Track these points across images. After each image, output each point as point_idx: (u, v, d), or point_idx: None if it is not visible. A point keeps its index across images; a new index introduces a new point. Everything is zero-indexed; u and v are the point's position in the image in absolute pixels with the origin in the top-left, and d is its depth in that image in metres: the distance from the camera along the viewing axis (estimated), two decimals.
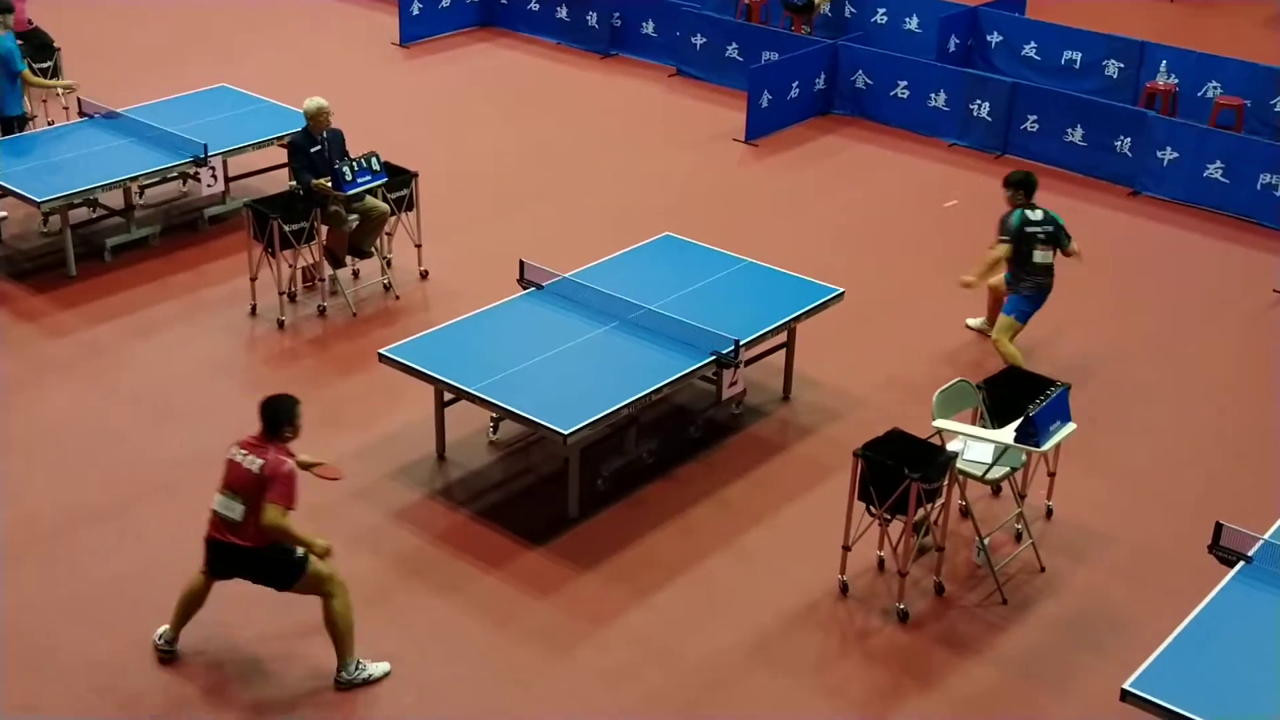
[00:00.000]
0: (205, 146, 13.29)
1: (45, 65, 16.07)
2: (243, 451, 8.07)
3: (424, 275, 13.08)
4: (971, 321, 12.61)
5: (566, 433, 9.21)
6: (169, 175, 13.81)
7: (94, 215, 13.81)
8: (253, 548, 8.03)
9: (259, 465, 7.95)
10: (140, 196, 14.16)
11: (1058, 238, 11.51)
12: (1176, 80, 17.24)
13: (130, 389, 11.32)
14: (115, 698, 8.19)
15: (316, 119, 12.25)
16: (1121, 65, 17.67)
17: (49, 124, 15.61)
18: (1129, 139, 15.66)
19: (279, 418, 8.12)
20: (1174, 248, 14.40)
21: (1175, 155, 15.36)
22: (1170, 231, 14.76)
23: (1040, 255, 11.44)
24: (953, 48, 18.41)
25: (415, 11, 19.70)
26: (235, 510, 8.00)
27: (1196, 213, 15.14)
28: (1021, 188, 11.63)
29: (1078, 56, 18.03)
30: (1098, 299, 13.19)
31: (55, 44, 16.66)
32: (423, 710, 8.23)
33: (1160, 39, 18.09)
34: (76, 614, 8.84)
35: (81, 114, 14.52)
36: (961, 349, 12.03)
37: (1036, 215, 11.52)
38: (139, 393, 11.27)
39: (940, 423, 9.22)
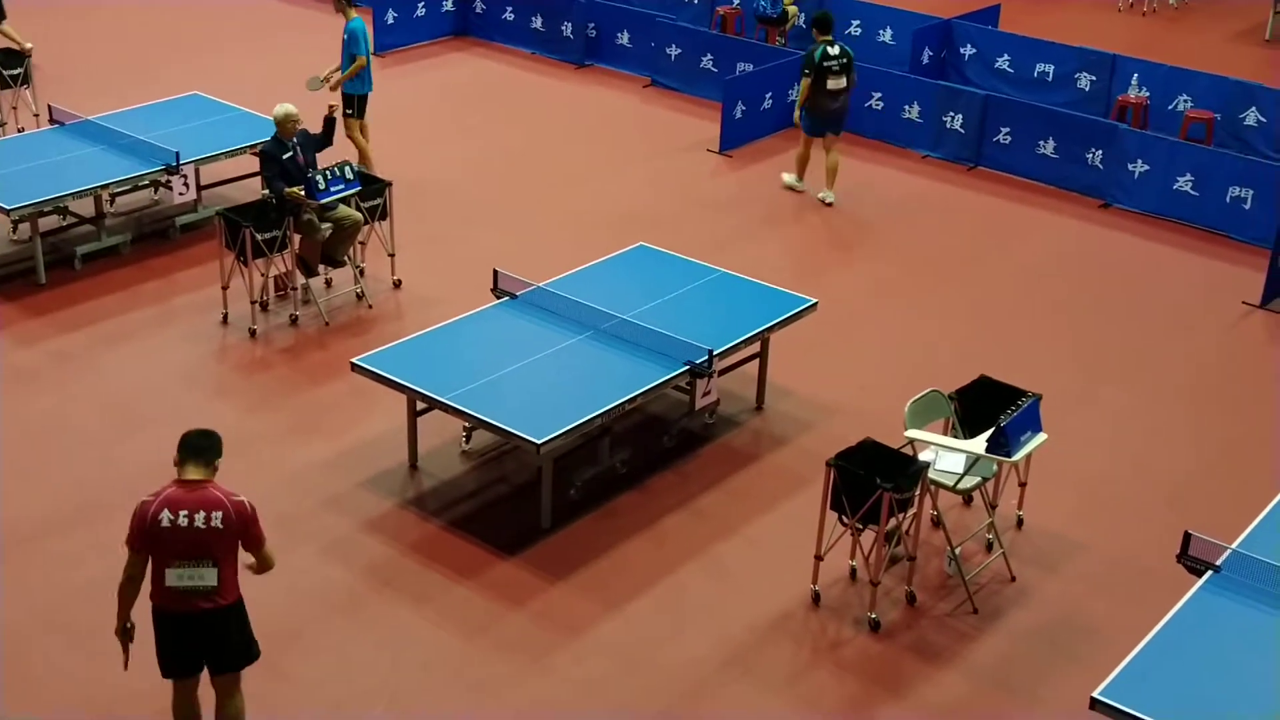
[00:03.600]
0: (177, 154, 13.25)
1: (15, 71, 16.02)
2: (182, 512, 7.01)
3: (397, 284, 13.06)
4: (786, 177, 15.41)
5: (539, 442, 9.20)
6: (140, 183, 13.77)
7: (64, 223, 13.74)
8: (230, 605, 7.28)
9: (219, 518, 7.04)
10: (111, 204, 14.11)
11: (848, 69, 14.88)
12: (1148, 93, 17.35)
13: (100, 397, 11.27)
14: (90, 708, 8.15)
15: (284, 125, 12.23)
16: (1093, 78, 17.78)
17: (19, 131, 15.55)
18: (1100, 151, 15.74)
19: (217, 448, 7.22)
20: (1144, 260, 14.48)
21: (1146, 168, 15.44)
22: (1140, 244, 14.84)
23: (833, 83, 14.86)
24: (926, 60, 18.49)
25: (390, 20, 19.69)
26: (208, 577, 7.11)
27: (1167, 225, 15.23)
28: (819, 26, 15.00)
29: (1050, 69, 18.13)
30: (1068, 310, 13.25)
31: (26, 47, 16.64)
32: None
33: (1132, 52, 18.24)
34: (48, 622, 8.79)
35: (52, 121, 14.46)
36: (934, 360, 12.07)
37: (834, 50, 14.82)
38: (109, 401, 11.21)
39: (912, 433, 9.24)
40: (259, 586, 9.10)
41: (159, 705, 8.18)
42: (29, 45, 16.63)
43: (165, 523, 6.97)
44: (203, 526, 6.99)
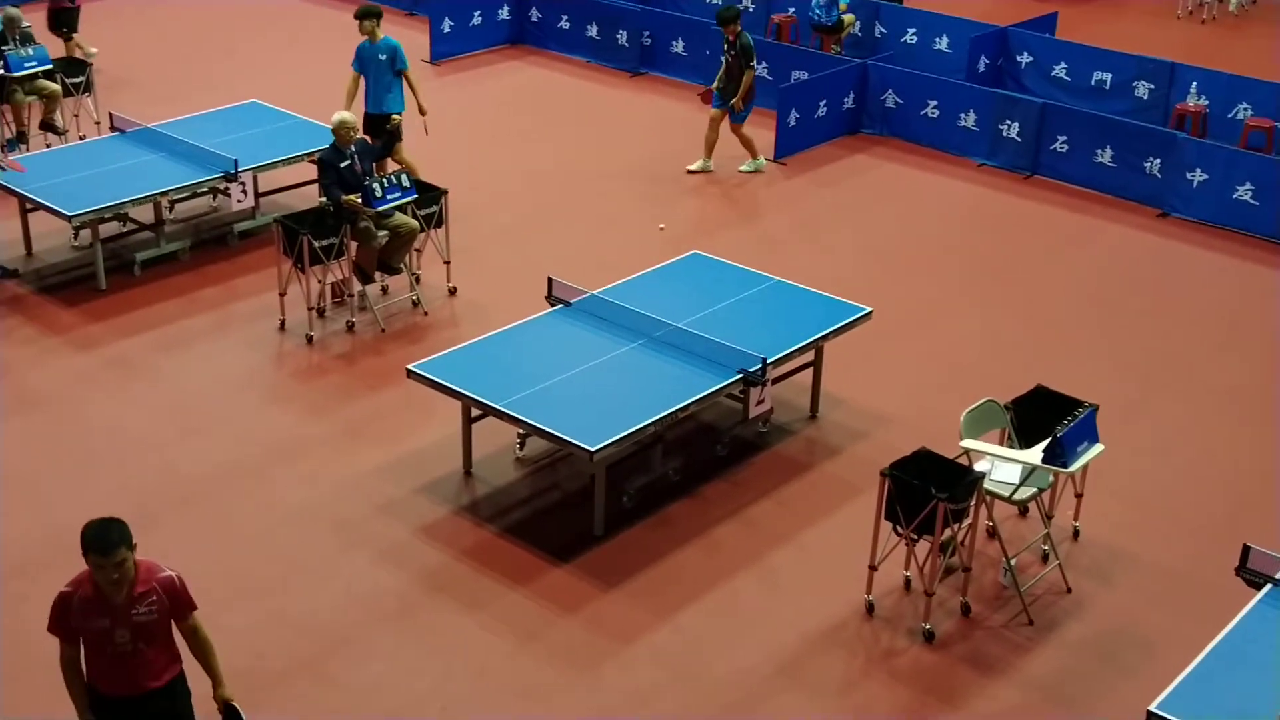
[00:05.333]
0: (235, 162, 13.37)
1: (77, 79, 16.23)
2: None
3: (452, 291, 13.12)
4: (693, 166, 15.99)
5: (593, 449, 9.21)
6: (199, 190, 13.89)
7: (124, 229, 13.90)
8: (175, 679, 6.88)
9: (152, 604, 6.58)
10: (170, 211, 14.25)
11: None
12: (1207, 102, 17.19)
13: (158, 402, 11.38)
14: None
15: (342, 133, 12.32)
16: (1152, 86, 17.64)
17: (81, 138, 15.74)
18: (1158, 160, 15.61)
19: (127, 534, 6.49)
20: (1202, 270, 14.35)
21: (1205, 177, 15.30)
22: (1199, 253, 14.71)
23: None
24: (983, 68, 18.41)
25: (446, 29, 19.81)
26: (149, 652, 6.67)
27: (1226, 234, 15.09)
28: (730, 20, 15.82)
29: (1108, 77, 18.00)
30: (1125, 319, 13.15)
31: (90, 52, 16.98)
32: None
33: (1191, 60, 18.10)
34: None
35: (113, 128, 14.62)
36: (990, 369, 12.00)
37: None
38: (166, 406, 11.32)
39: (968, 443, 9.19)
40: (312, 591, 9.20)
41: (209, 708, 8.26)
42: (93, 50, 16.95)
43: (97, 628, 6.58)
44: (140, 620, 6.61)
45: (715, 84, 16.12)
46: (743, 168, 16.26)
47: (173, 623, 6.76)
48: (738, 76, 15.84)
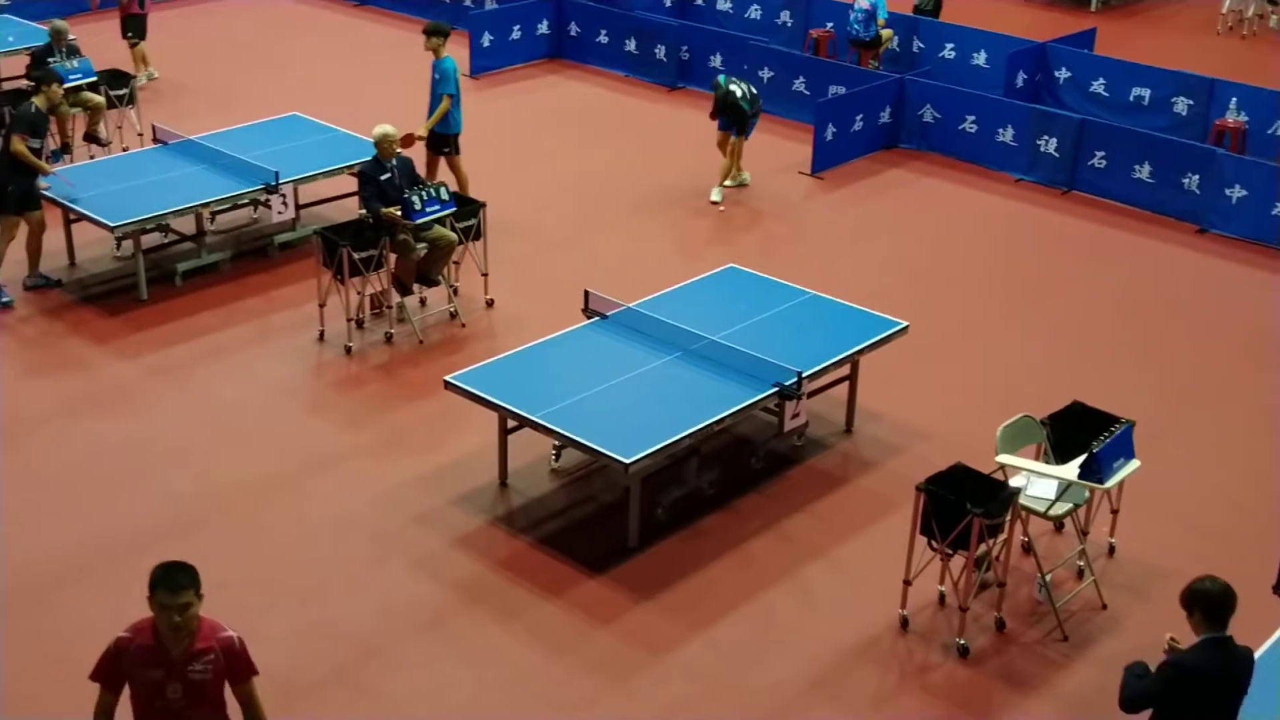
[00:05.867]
0: (276, 174, 13.48)
1: (121, 91, 16.40)
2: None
3: (490, 304, 13.18)
4: (715, 196, 15.67)
5: (628, 462, 9.25)
6: (240, 202, 14.01)
7: (166, 240, 14.03)
8: None
9: (209, 662, 6.31)
10: (212, 222, 14.37)
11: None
12: (1246, 118, 17.10)
13: (197, 412, 11.47)
14: None
15: (382, 145, 12.41)
16: (1191, 102, 17.58)
17: (124, 150, 15.89)
18: (1197, 176, 15.55)
19: (196, 580, 6.24)
20: (1241, 286, 14.27)
21: (1244, 193, 15.23)
22: (1238, 270, 14.64)
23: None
24: (1021, 83, 18.37)
25: (486, 44, 19.91)
26: None
27: (1264, 251, 15.00)
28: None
29: (1146, 93, 17.94)
30: (1163, 336, 13.10)
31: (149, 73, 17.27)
32: None
33: (1231, 76, 17.99)
34: None
35: (155, 140, 14.76)
36: (1026, 384, 11.97)
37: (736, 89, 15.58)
38: (206, 416, 11.42)
39: (1003, 458, 9.18)
40: (348, 601, 9.26)
41: None
42: (156, 73, 17.29)
43: (150, 679, 6.33)
44: (195, 679, 6.34)
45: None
46: (729, 183, 16.24)
47: (228, 685, 6.43)
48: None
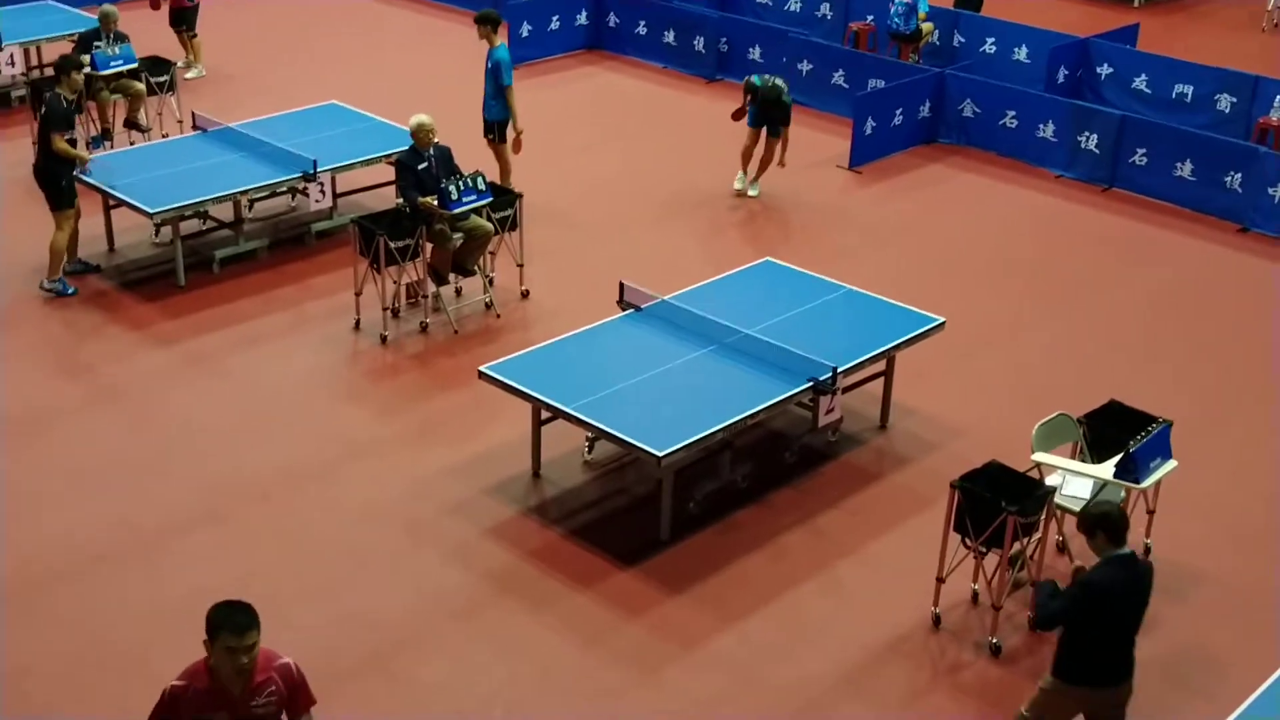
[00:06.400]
0: (314, 162, 13.52)
1: (161, 79, 16.47)
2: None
3: (525, 294, 13.19)
4: (738, 184, 15.52)
5: (661, 454, 9.24)
6: (278, 190, 14.05)
7: (204, 227, 14.09)
8: None
9: (271, 695, 6.14)
10: (250, 210, 14.42)
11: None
12: None
13: (233, 399, 11.52)
14: None
15: (419, 135, 12.42)
16: (1234, 100, 17.42)
17: (163, 136, 15.97)
18: (1239, 174, 15.42)
19: (256, 616, 6.02)
20: None
21: None
22: (1279, 269, 14.54)
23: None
24: (1062, 79, 18.25)
25: (524, 34, 19.90)
26: None
27: None
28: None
29: (1189, 90, 17.80)
30: (1202, 336, 13.00)
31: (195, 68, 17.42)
32: None
33: (1275, 74, 17.82)
34: (170, 622, 8.97)
35: (195, 127, 14.83)
36: (1063, 382, 11.90)
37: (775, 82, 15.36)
38: (242, 402, 11.47)
39: (1039, 456, 9.13)
40: (381, 590, 9.29)
41: None
42: (203, 71, 17.47)
43: None
44: (261, 713, 6.18)
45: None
46: (754, 191, 15.94)
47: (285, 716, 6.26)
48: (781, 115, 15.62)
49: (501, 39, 14.69)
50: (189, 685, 6.06)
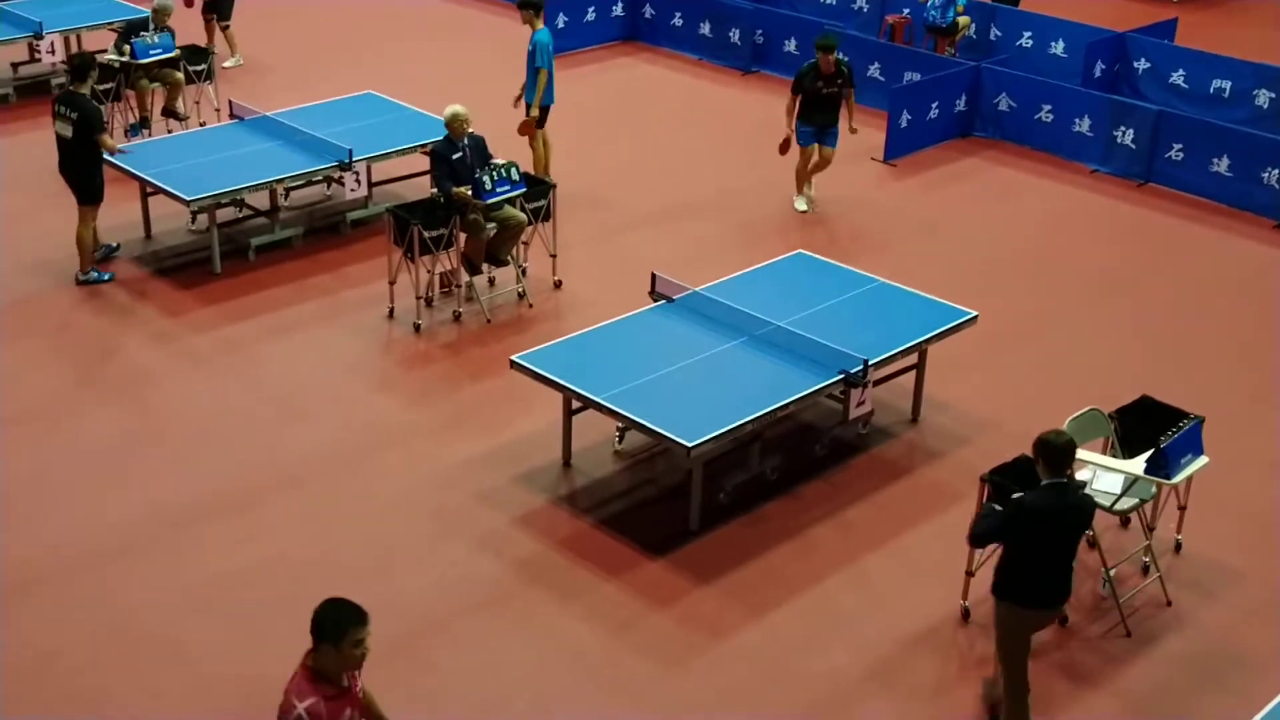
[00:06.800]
0: (350, 151, 13.58)
1: (199, 67, 16.57)
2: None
3: (558, 285, 13.22)
4: (801, 205, 15.01)
5: (690, 445, 9.25)
6: (314, 179, 14.11)
7: (240, 215, 14.18)
8: None
9: (353, 678, 6.25)
10: (285, 198, 14.50)
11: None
12: None
13: (266, 385, 11.60)
14: (240, 687, 8.39)
15: (454, 125, 12.47)
16: (1272, 95, 17.30)
17: (201, 125, 16.06)
18: (1277, 170, 15.31)
19: (315, 628, 6.02)
20: None
21: None
22: None
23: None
24: (1099, 73, 18.15)
25: (560, 25, 19.92)
26: None
27: None
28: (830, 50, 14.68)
29: (1227, 85, 17.69)
30: (1237, 332, 12.93)
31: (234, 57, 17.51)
32: (535, 717, 8.32)
33: None
34: (203, 605, 9.08)
35: (232, 116, 14.92)
36: (1096, 378, 11.86)
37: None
38: (275, 389, 11.54)
39: None
40: (410, 576, 9.35)
41: None
42: (241, 60, 17.58)
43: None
44: None
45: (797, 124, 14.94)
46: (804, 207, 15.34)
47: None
48: (837, 104, 14.98)
49: (543, 24, 14.75)
50: (316, 698, 5.95)
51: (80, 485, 10.24)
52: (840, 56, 14.99)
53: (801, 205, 15.16)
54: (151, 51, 15.78)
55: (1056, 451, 7.60)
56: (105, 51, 15.82)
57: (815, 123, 14.89)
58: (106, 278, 13.09)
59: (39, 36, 16.89)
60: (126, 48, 15.57)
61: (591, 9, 20.32)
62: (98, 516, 9.89)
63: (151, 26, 16.05)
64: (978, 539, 8.03)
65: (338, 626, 5.95)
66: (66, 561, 9.44)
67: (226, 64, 18.53)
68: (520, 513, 10.04)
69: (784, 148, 15.05)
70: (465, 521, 9.92)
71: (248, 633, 8.81)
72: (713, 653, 8.82)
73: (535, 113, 14.71)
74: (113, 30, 17.03)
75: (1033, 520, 7.60)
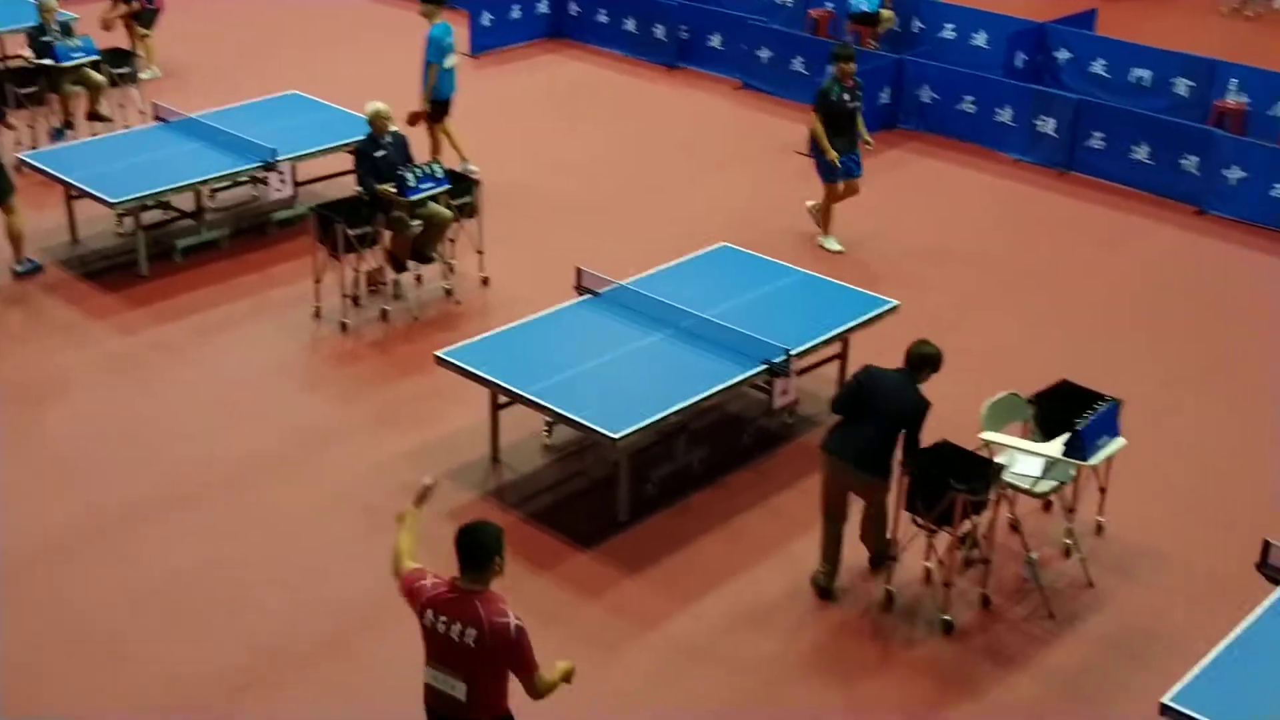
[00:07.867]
0: (274, 151, 13.54)
1: (123, 70, 16.44)
2: (443, 618, 6.47)
3: (485, 281, 13.24)
4: (833, 245, 14.16)
5: (617, 437, 9.32)
6: (239, 179, 14.06)
7: (166, 217, 14.09)
8: None
9: (474, 637, 6.36)
10: (211, 199, 14.43)
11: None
12: (1247, 99, 17.07)
13: (195, 387, 11.56)
14: (180, 687, 8.39)
15: (375, 122, 12.48)
16: (1192, 84, 17.54)
17: (125, 127, 15.94)
18: (1195, 157, 15.55)
19: (486, 552, 6.46)
20: (1239, 268, 14.30)
21: (1243, 174, 15.23)
22: (1235, 251, 14.66)
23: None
24: (1020, 64, 18.36)
25: (486, 23, 19.93)
26: (457, 689, 6.53)
27: (1263, 233, 15.01)
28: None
29: (1147, 74, 17.92)
30: (1159, 318, 13.14)
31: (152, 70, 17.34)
32: None
33: (1233, 57, 17.91)
34: (141, 606, 9.05)
35: (156, 118, 14.83)
36: (1018, 365, 12.00)
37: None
38: (204, 391, 11.50)
39: (987, 435, 9.24)
40: (341, 574, 9.35)
41: (239, 682, 8.42)
42: (159, 72, 17.36)
43: (428, 623, 6.55)
44: (456, 640, 6.42)
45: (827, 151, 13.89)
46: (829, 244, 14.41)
47: None
48: (856, 120, 14.09)
49: (442, 19, 14.82)
50: (506, 604, 6.44)
51: (15, 490, 10.17)
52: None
53: (834, 245, 14.16)
54: (74, 55, 15.65)
55: (911, 354, 8.91)
56: (17, 57, 15.66)
57: (839, 148, 13.79)
58: (38, 264, 13.08)
59: None
60: (44, 49, 15.41)
61: (517, 7, 20.32)
62: (35, 521, 9.82)
63: (47, 30, 15.78)
64: (832, 403, 9.25)
65: (499, 541, 6.45)
66: (6, 567, 9.37)
67: (144, 75, 18.32)
68: (450, 508, 10.04)
69: (833, 170, 13.96)
70: (395, 517, 9.89)
71: (187, 632, 8.79)
72: (643, 641, 8.89)
73: (425, 106, 14.76)
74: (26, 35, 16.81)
75: (866, 387, 8.92)
